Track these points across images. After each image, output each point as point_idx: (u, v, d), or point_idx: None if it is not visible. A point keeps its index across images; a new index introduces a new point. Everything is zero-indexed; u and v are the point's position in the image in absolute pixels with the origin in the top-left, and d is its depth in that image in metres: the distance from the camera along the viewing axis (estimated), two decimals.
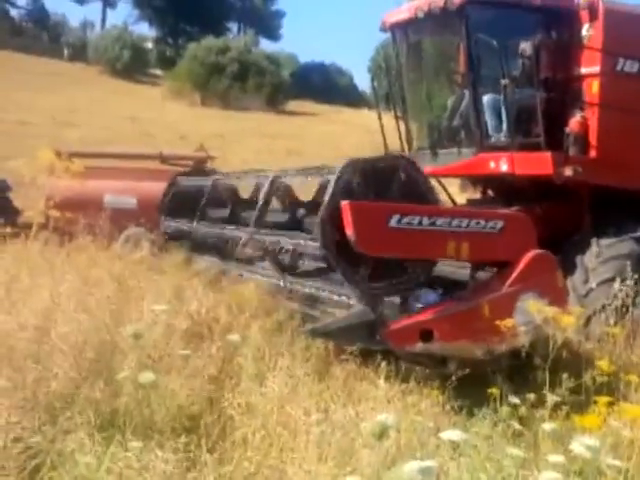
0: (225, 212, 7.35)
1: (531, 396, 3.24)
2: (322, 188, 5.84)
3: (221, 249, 7.02)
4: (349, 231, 4.36)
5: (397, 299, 4.92)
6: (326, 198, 4.53)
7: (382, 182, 4.67)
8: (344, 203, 4.40)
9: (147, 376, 3.14)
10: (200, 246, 7.32)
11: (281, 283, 5.67)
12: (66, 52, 48.90)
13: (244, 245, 6.42)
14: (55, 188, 9.42)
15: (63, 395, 3.43)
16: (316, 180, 5.83)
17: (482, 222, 4.85)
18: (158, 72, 48.23)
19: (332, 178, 4.58)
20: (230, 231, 6.44)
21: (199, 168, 9.06)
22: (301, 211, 6.64)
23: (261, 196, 5.81)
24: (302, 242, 5.06)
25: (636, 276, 5.79)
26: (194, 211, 7.20)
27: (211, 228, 6.93)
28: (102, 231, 7.39)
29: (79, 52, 47.91)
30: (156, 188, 8.37)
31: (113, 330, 4.19)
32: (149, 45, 52.82)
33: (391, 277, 4.73)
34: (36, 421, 3.03)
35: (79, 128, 23.73)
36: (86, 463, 2.56)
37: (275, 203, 6.64)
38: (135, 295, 5.21)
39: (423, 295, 5.02)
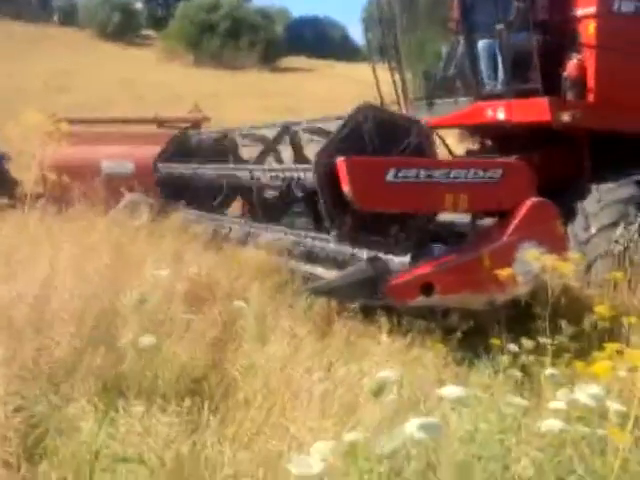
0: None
1: (530, 343, 3.23)
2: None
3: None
4: (346, 188, 4.32)
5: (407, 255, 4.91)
6: (320, 195, 4.48)
7: (358, 144, 4.57)
8: (339, 160, 4.35)
9: (148, 339, 3.14)
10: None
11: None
12: (56, 17, 48.15)
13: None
14: (50, 154, 9.39)
15: (64, 363, 3.44)
16: None
17: (480, 172, 4.80)
18: (150, 33, 47.53)
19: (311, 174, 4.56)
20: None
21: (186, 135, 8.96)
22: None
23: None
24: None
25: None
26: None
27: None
28: (99, 197, 7.36)
29: (69, 16, 47.14)
30: (153, 152, 8.31)
31: (113, 296, 4.19)
32: (139, 6, 51.91)
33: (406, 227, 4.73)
34: (37, 390, 3.04)
35: (72, 93, 23.51)
36: (88, 429, 2.56)
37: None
38: (134, 260, 5.20)
39: (434, 249, 5.00)
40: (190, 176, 7.34)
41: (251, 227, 6.31)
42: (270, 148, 6.31)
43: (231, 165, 6.74)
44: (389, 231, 4.66)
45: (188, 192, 7.58)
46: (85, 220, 6.74)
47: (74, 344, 3.59)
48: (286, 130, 6.14)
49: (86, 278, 4.53)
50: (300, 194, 5.76)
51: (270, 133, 6.44)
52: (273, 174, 5.52)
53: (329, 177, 4.40)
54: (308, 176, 4.68)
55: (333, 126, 4.79)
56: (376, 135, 4.55)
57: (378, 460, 1.77)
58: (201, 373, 3.67)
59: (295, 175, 5.08)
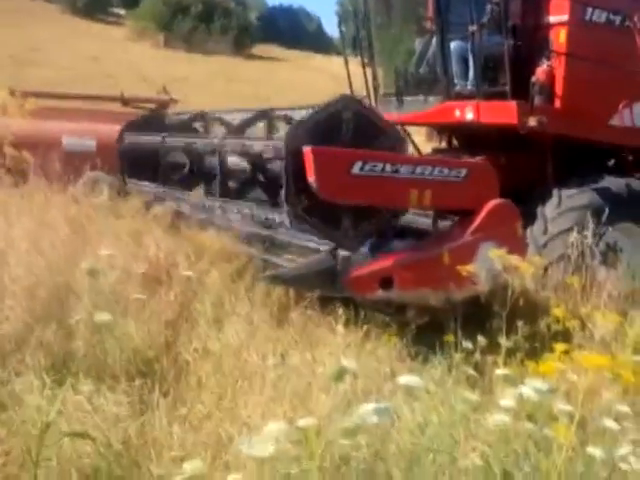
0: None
1: (484, 342, 3.26)
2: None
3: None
4: (311, 177, 4.29)
5: (365, 248, 4.89)
6: (283, 175, 4.43)
7: (332, 131, 4.55)
8: (306, 149, 4.32)
9: (103, 316, 3.08)
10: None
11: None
12: None
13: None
14: (10, 128, 9.19)
15: (14, 337, 3.37)
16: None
17: (445, 170, 4.83)
18: (121, 11, 46.79)
19: (280, 148, 4.47)
20: (198, 199, 6.38)
21: (159, 112, 8.86)
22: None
23: (217, 167, 5.77)
24: (271, 216, 5.02)
25: (600, 226, 5.93)
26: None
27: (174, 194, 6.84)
28: (59, 173, 7.22)
29: None
30: (116, 131, 8.17)
31: (68, 272, 4.11)
32: None
33: (362, 222, 4.70)
34: None
35: (39, 68, 23.07)
36: (36, 405, 2.51)
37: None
38: (91, 238, 5.11)
39: (394, 245, 5.01)
40: (155, 148, 7.21)
41: (211, 207, 6.20)
42: (240, 131, 6.24)
43: (198, 137, 6.64)
44: (343, 222, 4.63)
45: (151, 167, 7.43)
46: (43, 195, 6.61)
47: (25, 318, 3.51)
48: (263, 116, 6.08)
49: (41, 253, 4.44)
50: (263, 178, 5.73)
51: (244, 118, 6.38)
52: (241, 147, 5.44)
53: (296, 156, 4.36)
54: (277, 149, 4.60)
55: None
56: (352, 128, 4.52)
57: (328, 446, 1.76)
58: (153, 354, 3.62)
59: (262, 148, 4.99)
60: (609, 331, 2.87)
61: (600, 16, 7.03)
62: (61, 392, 2.59)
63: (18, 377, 2.91)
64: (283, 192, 4.47)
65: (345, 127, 4.51)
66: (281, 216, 4.77)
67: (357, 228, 4.64)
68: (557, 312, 3.67)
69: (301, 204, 4.44)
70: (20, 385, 2.74)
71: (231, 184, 6.17)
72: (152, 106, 11.21)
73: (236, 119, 6.60)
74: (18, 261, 4.18)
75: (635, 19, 7.04)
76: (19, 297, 3.68)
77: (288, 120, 5.71)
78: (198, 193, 6.53)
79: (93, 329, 3.26)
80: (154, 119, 8.09)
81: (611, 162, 7.85)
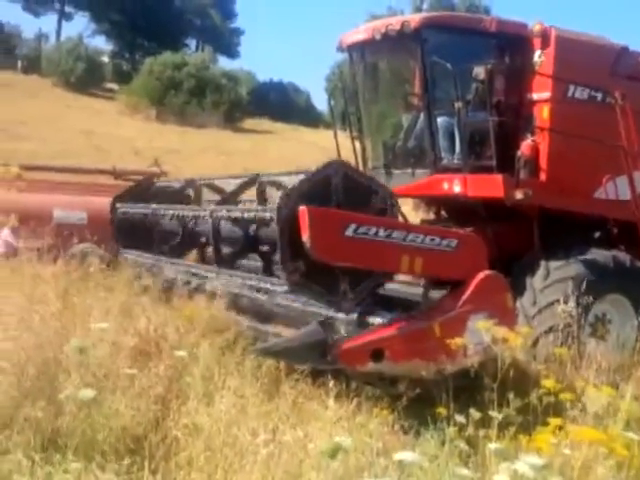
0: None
1: (477, 415, 3.23)
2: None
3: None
4: (305, 236, 4.31)
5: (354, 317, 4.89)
6: (277, 238, 4.49)
7: (324, 195, 4.63)
8: (302, 208, 4.35)
9: (87, 393, 3.05)
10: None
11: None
12: (20, 64, 48.05)
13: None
14: (2, 201, 9.25)
15: (2, 415, 3.31)
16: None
17: (437, 239, 4.87)
18: (114, 86, 47.69)
19: (273, 215, 4.54)
20: (195, 269, 6.43)
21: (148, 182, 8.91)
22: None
23: (210, 235, 5.85)
24: (270, 286, 5.04)
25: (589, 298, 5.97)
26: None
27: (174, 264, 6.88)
28: (49, 246, 7.22)
29: (33, 64, 47.07)
30: (107, 203, 8.24)
31: (57, 348, 4.07)
32: (105, 59, 52.24)
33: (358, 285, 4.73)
34: None
35: (31, 141, 23.31)
36: None
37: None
38: (81, 312, 5.09)
39: (381, 315, 5.02)
40: (147, 217, 7.25)
41: (203, 274, 6.21)
42: (232, 197, 6.30)
43: (190, 206, 6.70)
44: (338, 287, 4.66)
45: (143, 236, 7.45)
46: (33, 269, 6.59)
47: (13, 395, 3.46)
48: (253, 181, 6.15)
49: (30, 328, 4.40)
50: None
51: (235, 184, 6.46)
52: (234, 214, 5.51)
53: (290, 222, 4.41)
54: (269, 217, 4.67)
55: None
56: (342, 191, 4.60)
57: None
58: (142, 431, 3.56)
59: (255, 215, 5.07)
60: (602, 405, 2.86)
61: (582, 93, 7.26)
62: (48, 472, 2.55)
63: (6, 455, 2.85)
64: (279, 261, 4.49)
65: (336, 191, 4.58)
66: (275, 284, 4.80)
67: (355, 290, 4.66)
68: (547, 384, 3.65)
69: (298, 270, 4.46)
70: (8, 464, 2.69)
71: (225, 250, 6.19)
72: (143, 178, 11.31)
73: (229, 184, 6.69)
74: (7, 336, 4.14)
75: (616, 95, 7.26)
76: (8, 373, 3.63)
77: (278, 186, 5.77)
78: (190, 262, 6.56)
79: (82, 405, 3.21)
80: (145, 189, 8.14)
81: (596, 234, 7.95)
